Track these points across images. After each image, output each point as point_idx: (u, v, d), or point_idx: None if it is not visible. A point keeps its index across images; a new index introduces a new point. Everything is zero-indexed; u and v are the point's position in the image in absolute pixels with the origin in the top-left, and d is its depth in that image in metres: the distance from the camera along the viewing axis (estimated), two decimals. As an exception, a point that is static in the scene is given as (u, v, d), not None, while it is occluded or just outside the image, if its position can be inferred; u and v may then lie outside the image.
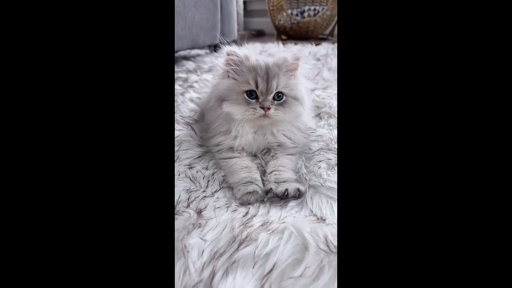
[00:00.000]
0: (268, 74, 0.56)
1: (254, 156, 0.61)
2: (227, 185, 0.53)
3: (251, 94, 0.57)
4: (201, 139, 0.67)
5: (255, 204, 0.47)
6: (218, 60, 0.62)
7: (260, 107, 0.55)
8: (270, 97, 0.56)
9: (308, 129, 0.68)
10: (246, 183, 0.51)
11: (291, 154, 0.59)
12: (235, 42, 1.86)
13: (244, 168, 0.55)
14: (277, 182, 0.50)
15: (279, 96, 0.58)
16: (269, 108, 0.55)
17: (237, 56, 0.58)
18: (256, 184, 0.51)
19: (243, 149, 0.60)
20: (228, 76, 0.60)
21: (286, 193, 0.47)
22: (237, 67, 0.58)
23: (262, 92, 0.56)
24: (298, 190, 0.48)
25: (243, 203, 0.48)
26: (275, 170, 0.54)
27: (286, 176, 0.52)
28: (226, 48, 0.60)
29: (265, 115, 0.56)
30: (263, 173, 0.56)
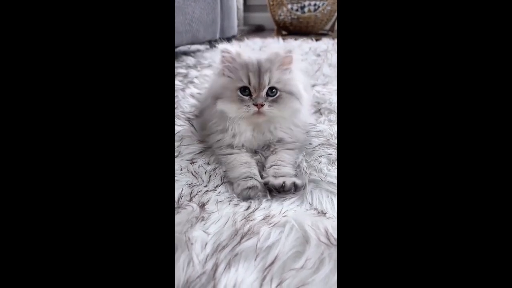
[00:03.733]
0: (260, 69, 0.56)
1: (255, 152, 0.61)
2: (227, 180, 0.54)
3: (245, 91, 0.56)
4: (201, 135, 0.67)
5: (255, 199, 0.48)
6: (215, 58, 0.63)
7: (253, 104, 0.55)
8: (263, 93, 0.56)
9: (308, 124, 0.68)
10: (245, 178, 0.51)
11: (291, 149, 0.59)
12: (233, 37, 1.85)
13: (243, 164, 0.55)
14: (275, 176, 0.51)
15: (272, 91, 0.57)
16: (262, 105, 0.55)
17: (229, 54, 0.59)
18: (256, 179, 0.51)
19: (243, 146, 0.60)
20: (223, 74, 0.60)
21: (283, 185, 0.48)
22: (230, 65, 0.59)
23: (254, 87, 0.56)
24: (295, 184, 0.48)
25: (243, 198, 0.48)
26: (274, 165, 0.54)
27: (284, 171, 0.52)
28: (220, 46, 0.60)
29: (259, 112, 0.55)
30: (262, 167, 0.56)
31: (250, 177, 0.52)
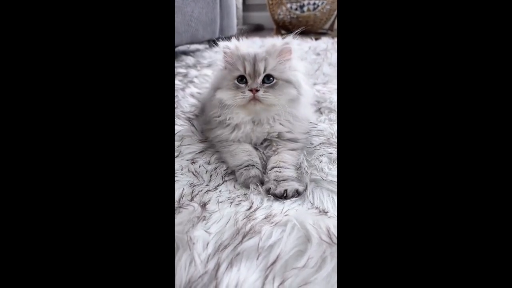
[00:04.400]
0: (255, 58, 0.58)
1: (255, 148, 0.62)
2: (229, 178, 0.54)
3: (242, 80, 0.58)
4: (202, 132, 0.68)
5: (256, 192, 0.49)
6: (217, 56, 0.66)
7: (248, 90, 0.56)
8: (259, 80, 0.57)
9: (310, 122, 0.68)
10: (247, 166, 0.54)
11: (293, 150, 0.59)
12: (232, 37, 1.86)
13: (244, 151, 0.57)
14: (277, 181, 0.51)
15: (269, 79, 0.58)
16: (257, 90, 0.55)
17: (229, 48, 0.62)
18: (257, 168, 0.54)
19: (239, 141, 0.61)
20: (225, 68, 0.62)
21: (285, 194, 0.48)
22: (230, 59, 0.61)
23: (250, 75, 0.57)
24: (297, 191, 0.48)
25: (245, 187, 0.51)
26: (275, 167, 0.54)
27: (286, 174, 0.52)
28: (221, 44, 0.63)
29: (254, 98, 0.56)
30: (264, 167, 0.56)
31: (252, 165, 0.54)
